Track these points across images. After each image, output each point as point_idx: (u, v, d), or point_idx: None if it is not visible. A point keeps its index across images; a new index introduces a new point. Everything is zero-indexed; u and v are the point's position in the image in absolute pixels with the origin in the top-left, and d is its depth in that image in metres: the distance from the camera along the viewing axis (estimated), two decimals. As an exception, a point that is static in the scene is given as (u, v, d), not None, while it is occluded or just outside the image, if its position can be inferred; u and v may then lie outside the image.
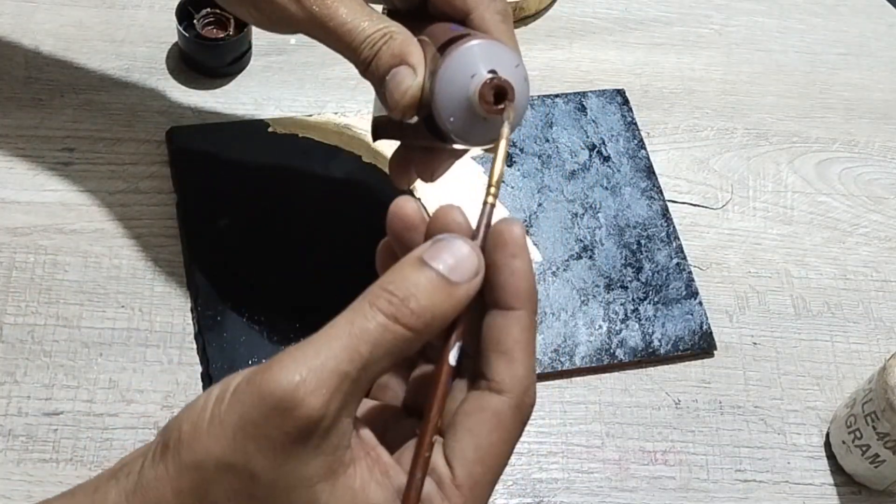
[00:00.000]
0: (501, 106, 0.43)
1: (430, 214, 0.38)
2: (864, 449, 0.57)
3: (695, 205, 0.70)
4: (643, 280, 0.65)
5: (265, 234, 0.63)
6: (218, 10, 0.69)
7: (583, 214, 0.67)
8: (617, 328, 0.63)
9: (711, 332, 0.64)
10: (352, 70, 0.50)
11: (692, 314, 0.64)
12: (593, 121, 0.72)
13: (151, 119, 0.68)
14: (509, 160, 0.69)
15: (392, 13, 0.53)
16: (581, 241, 0.66)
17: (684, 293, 0.65)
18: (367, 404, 0.40)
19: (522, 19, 0.78)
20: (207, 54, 0.70)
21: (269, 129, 0.68)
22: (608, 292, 0.64)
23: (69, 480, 0.54)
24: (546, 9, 0.79)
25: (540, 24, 0.79)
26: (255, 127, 0.68)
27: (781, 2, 0.83)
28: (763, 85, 0.77)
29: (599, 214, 0.67)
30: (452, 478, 0.35)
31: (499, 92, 0.43)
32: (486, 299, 0.37)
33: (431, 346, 0.38)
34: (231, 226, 0.63)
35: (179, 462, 0.34)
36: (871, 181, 0.73)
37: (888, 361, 0.56)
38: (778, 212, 0.71)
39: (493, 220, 0.37)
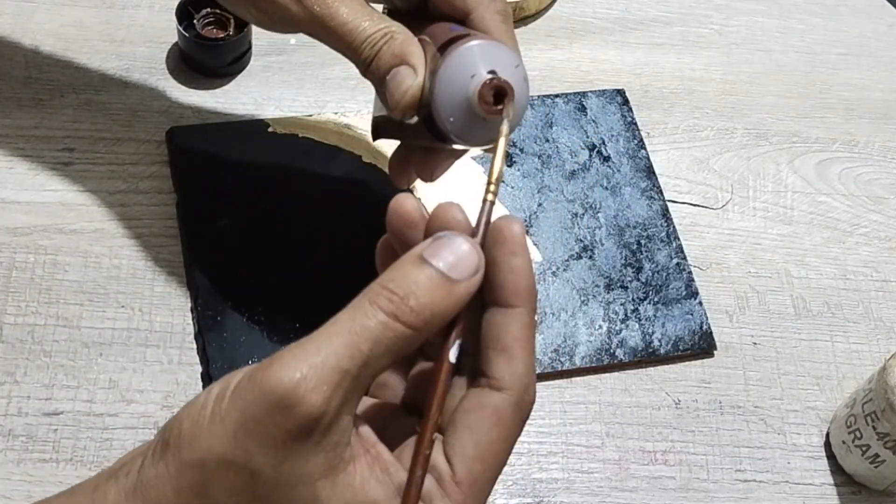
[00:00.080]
0: (500, 106, 0.43)
1: (430, 212, 0.38)
2: (864, 449, 0.57)
3: (695, 205, 0.70)
4: (643, 280, 0.65)
5: (265, 234, 0.63)
6: (218, 10, 0.69)
7: (583, 214, 0.67)
8: (617, 328, 0.63)
9: (711, 332, 0.64)
10: (352, 70, 0.50)
11: (692, 314, 0.64)
12: (593, 121, 0.72)
13: (151, 119, 0.68)
14: (509, 160, 0.69)
15: (392, 13, 0.53)
16: (581, 241, 0.66)
17: (684, 293, 0.65)
18: (366, 402, 0.40)
19: (522, 19, 0.78)
20: (207, 54, 0.70)
21: (269, 129, 0.68)
22: (608, 292, 0.64)
23: (69, 480, 0.54)
24: (546, 9, 0.79)
25: (540, 24, 0.79)
26: (255, 127, 0.68)
27: (781, 2, 0.83)
28: (763, 85, 0.77)
29: (599, 214, 0.67)
30: (452, 475, 0.35)
31: (498, 92, 0.43)
32: (485, 297, 0.37)
33: (430, 344, 0.38)
34: (231, 226, 0.63)
35: (180, 460, 0.34)
36: (871, 181, 0.73)
37: (888, 361, 0.55)
38: (778, 212, 0.71)
39: (493, 219, 0.37)
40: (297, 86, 0.72)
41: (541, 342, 0.62)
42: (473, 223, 0.37)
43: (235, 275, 0.62)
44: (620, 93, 0.74)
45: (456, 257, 0.35)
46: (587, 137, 0.71)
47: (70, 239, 0.63)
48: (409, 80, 0.47)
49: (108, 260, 0.62)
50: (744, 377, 0.63)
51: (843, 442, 0.59)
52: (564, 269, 0.65)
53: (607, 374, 0.62)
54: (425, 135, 0.48)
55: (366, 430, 0.36)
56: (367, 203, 0.65)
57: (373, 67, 0.48)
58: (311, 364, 0.33)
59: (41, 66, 0.70)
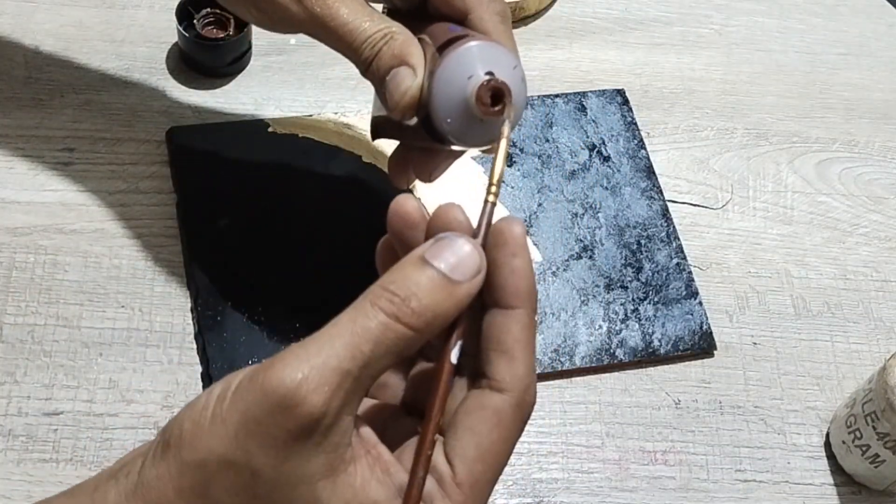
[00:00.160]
0: (498, 108, 0.43)
1: (431, 213, 0.38)
2: (864, 449, 0.57)
3: (695, 205, 0.70)
4: (643, 280, 0.65)
5: (265, 234, 0.63)
6: (218, 10, 0.69)
7: (583, 214, 0.67)
8: (617, 328, 0.63)
9: (711, 332, 0.64)
10: (352, 70, 0.50)
11: (692, 314, 0.64)
12: (593, 121, 0.72)
13: (151, 119, 0.68)
14: (509, 160, 0.69)
15: (392, 13, 0.53)
16: (581, 241, 0.66)
17: (684, 293, 0.65)
18: (366, 403, 0.40)
19: (522, 19, 0.78)
20: (207, 54, 0.70)
21: (269, 129, 0.68)
22: (608, 292, 0.64)
23: (69, 480, 0.54)
24: (546, 9, 0.79)
25: (540, 24, 0.79)
26: (255, 127, 0.68)
27: (781, 2, 0.83)
28: (763, 85, 0.77)
29: (599, 214, 0.67)
30: (453, 476, 0.35)
31: (495, 93, 0.43)
32: (485, 298, 0.37)
33: (430, 345, 0.38)
34: (231, 226, 0.63)
35: (181, 461, 0.34)
36: (871, 181, 0.73)
37: (888, 361, 0.56)
38: (778, 212, 0.71)
39: (494, 220, 0.37)
40: (297, 86, 0.72)
41: (541, 342, 0.62)
42: (474, 224, 0.37)
43: (235, 275, 0.62)
44: (620, 93, 0.74)
45: (457, 258, 0.35)
46: (587, 137, 0.71)
47: (70, 239, 0.63)
48: (409, 81, 0.47)
49: (108, 260, 0.62)
50: (744, 377, 0.63)
51: (843, 442, 0.59)
52: (564, 269, 0.65)
53: (607, 374, 0.62)
54: (423, 136, 0.48)
55: (366, 431, 0.36)
56: (367, 203, 0.65)
57: (373, 68, 0.48)
58: (313, 365, 0.33)
59: (41, 66, 0.70)
